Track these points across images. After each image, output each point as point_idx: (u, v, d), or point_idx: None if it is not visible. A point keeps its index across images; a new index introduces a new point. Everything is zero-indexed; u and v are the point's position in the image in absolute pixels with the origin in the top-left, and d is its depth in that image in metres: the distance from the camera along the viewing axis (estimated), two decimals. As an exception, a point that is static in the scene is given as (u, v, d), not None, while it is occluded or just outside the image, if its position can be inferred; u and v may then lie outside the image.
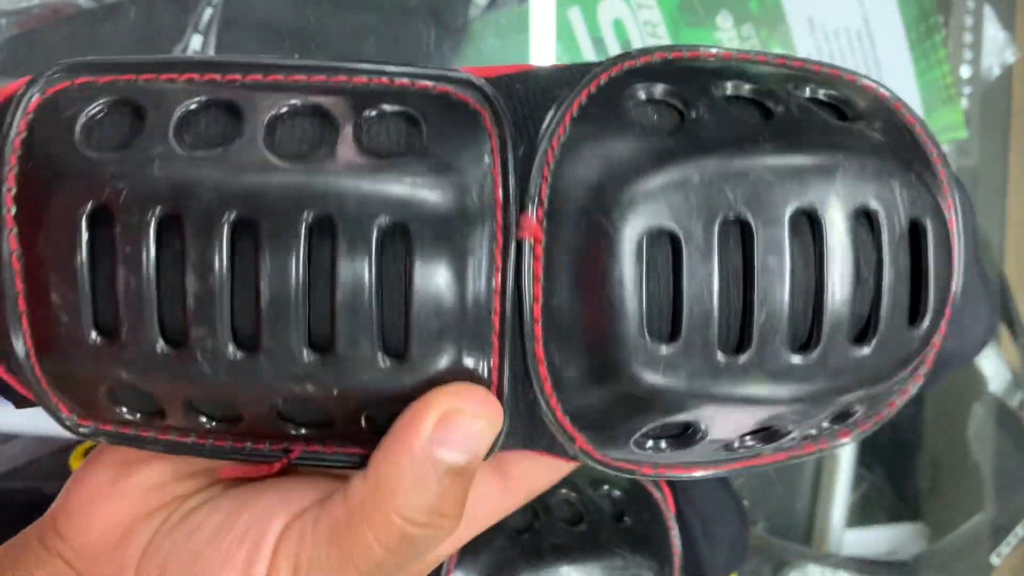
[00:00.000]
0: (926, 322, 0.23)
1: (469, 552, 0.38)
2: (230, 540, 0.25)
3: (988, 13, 0.66)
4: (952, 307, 0.24)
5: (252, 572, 0.24)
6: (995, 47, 0.67)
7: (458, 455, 0.23)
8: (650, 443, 0.25)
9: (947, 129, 0.61)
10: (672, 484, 0.44)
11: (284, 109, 0.23)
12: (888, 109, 0.25)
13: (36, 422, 0.42)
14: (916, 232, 0.23)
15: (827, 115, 0.24)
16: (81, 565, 0.27)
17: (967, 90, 0.65)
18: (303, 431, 0.25)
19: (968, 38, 0.65)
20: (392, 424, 0.23)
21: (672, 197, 0.22)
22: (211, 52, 0.46)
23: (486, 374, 0.23)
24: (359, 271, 0.22)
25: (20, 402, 0.28)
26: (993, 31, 0.67)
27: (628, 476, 0.26)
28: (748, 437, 0.25)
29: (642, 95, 0.24)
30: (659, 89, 0.24)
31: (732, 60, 0.25)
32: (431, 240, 0.22)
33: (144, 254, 0.22)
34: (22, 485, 0.45)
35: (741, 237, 0.22)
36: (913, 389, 0.26)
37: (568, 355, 0.23)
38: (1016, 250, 0.71)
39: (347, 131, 0.23)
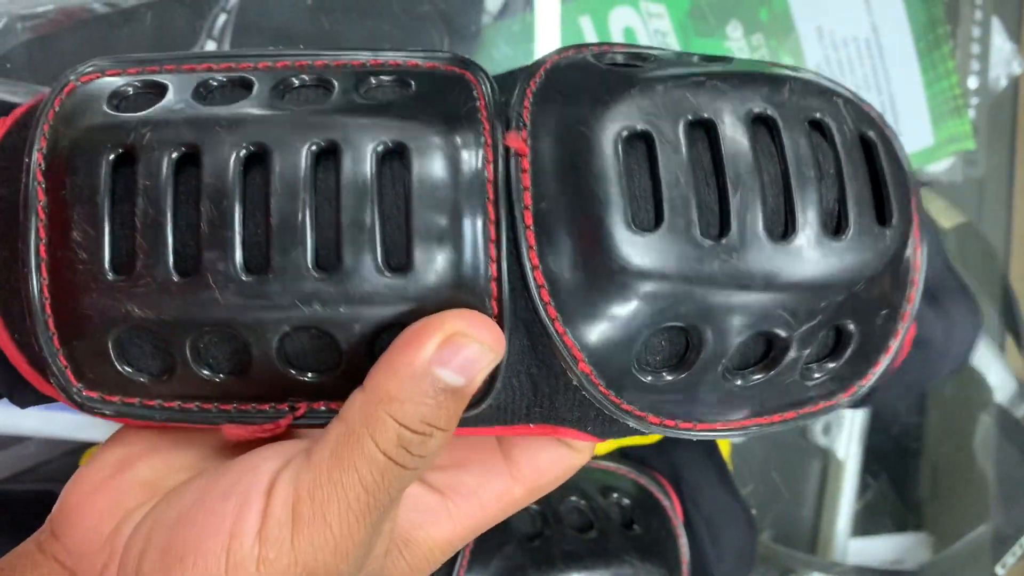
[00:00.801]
0: (894, 220, 0.25)
1: (479, 558, 0.39)
2: (214, 499, 0.24)
3: (995, 25, 0.66)
4: (927, 291, 0.26)
5: (242, 523, 0.23)
6: (1002, 58, 0.68)
7: (456, 377, 0.24)
8: (650, 377, 0.25)
9: (955, 140, 0.61)
10: (680, 492, 0.44)
11: (292, 81, 0.25)
12: (849, 98, 0.27)
13: (46, 425, 0.42)
14: (866, 144, 0.25)
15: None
16: (73, 563, 0.26)
17: (974, 101, 0.65)
18: (309, 375, 0.25)
19: (976, 49, 0.65)
20: (396, 339, 0.24)
21: (641, 103, 0.24)
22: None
23: (485, 285, 0.24)
24: (361, 189, 0.23)
25: (25, 400, 0.28)
26: (1000, 42, 0.67)
27: (634, 424, 0.26)
28: (750, 369, 0.26)
29: (606, 56, 0.27)
30: (618, 57, 0.27)
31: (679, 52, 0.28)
32: (427, 158, 0.24)
33: (161, 185, 0.23)
34: (33, 487, 0.45)
35: (707, 136, 0.24)
36: (903, 332, 0.27)
37: (561, 257, 0.24)
38: (1022, 261, 0.71)
39: (350, 90, 0.25)
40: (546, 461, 0.29)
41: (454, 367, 0.24)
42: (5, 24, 0.43)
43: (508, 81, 0.26)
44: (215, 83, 0.25)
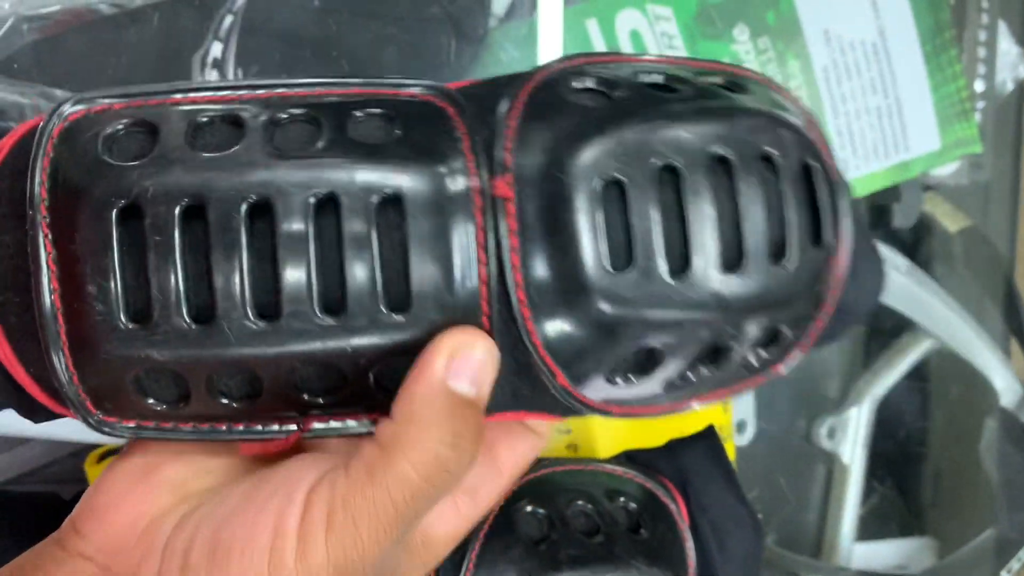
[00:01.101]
0: (824, 240, 0.28)
1: (485, 562, 0.39)
2: (259, 501, 0.27)
3: (1002, 28, 0.66)
4: (849, 263, 0.30)
5: (284, 522, 0.26)
6: (1008, 62, 0.68)
7: (468, 386, 0.26)
8: (619, 379, 0.28)
9: (962, 144, 0.61)
10: (687, 496, 0.44)
11: (280, 116, 0.27)
12: (780, 91, 0.30)
13: (50, 427, 0.42)
14: (808, 172, 0.28)
15: (726, 91, 0.29)
16: (104, 558, 0.28)
17: (980, 104, 0.65)
18: (319, 399, 0.27)
19: (982, 52, 0.65)
20: (406, 374, 0.26)
21: (614, 151, 0.27)
22: (231, 59, 0.46)
23: (478, 320, 0.27)
24: (363, 237, 0.26)
25: (39, 417, 0.29)
26: (1007, 46, 0.67)
27: (601, 415, 0.29)
28: (700, 364, 0.29)
29: (576, 85, 0.28)
30: (589, 81, 0.28)
31: (646, 61, 0.30)
32: (422, 207, 0.26)
33: (173, 240, 0.25)
34: (37, 489, 0.45)
35: (672, 178, 0.27)
36: (824, 320, 0.30)
37: (544, 294, 0.27)
38: (1028, 264, 0.71)
39: (338, 128, 0.26)
40: (522, 451, 0.32)
41: (464, 377, 0.26)
42: (11, 25, 0.43)
43: (489, 97, 0.28)
44: (204, 120, 0.26)
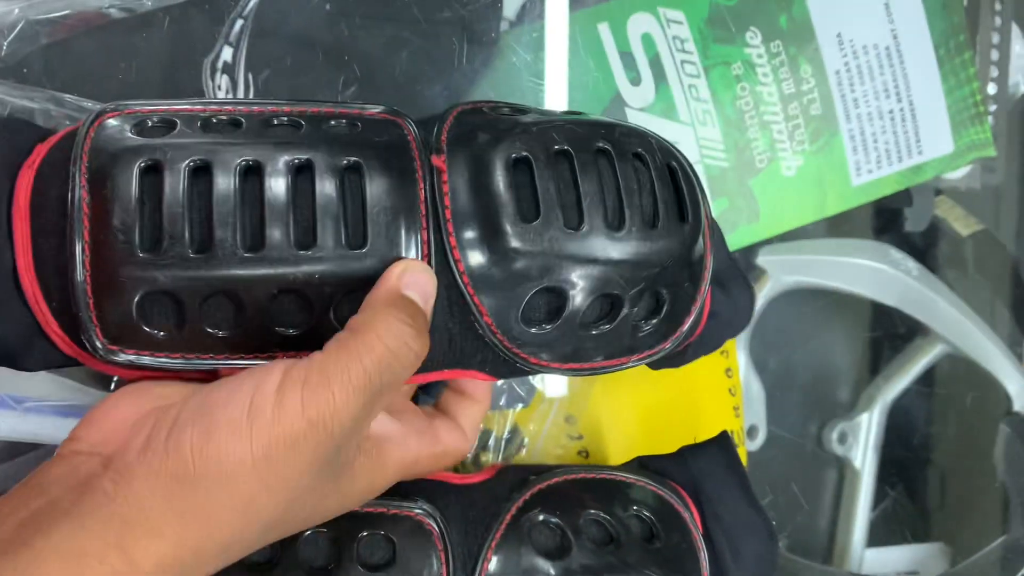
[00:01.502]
0: (690, 220, 0.37)
1: (498, 572, 0.38)
2: (241, 377, 0.31)
3: (1015, 32, 0.65)
4: (717, 281, 0.40)
5: (264, 384, 0.30)
6: (1021, 65, 0.67)
7: (417, 296, 0.33)
8: (533, 328, 0.36)
9: (975, 147, 0.61)
10: (700, 503, 0.44)
11: (272, 120, 0.35)
12: (659, 140, 0.39)
13: (64, 431, 0.42)
14: (671, 170, 0.37)
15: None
16: (100, 447, 0.31)
17: (992, 107, 0.64)
18: (290, 331, 0.34)
19: (995, 56, 0.65)
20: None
21: (523, 138, 0.35)
22: (242, 63, 0.46)
23: (420, 255, 0.34)
24: (329, 192, 0.33)
25: (32, 364, 0.35)
26: (1020, 49, 0.67)
27: (520, 365, 0.37)
28: (602, 320, 0.37)
29: (492, 110, 0.38)
30: (505, 109, 0.38)
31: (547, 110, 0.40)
32: (378, 171, 0.34)
33: (182, 186, 0.32)
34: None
35: (567, 160, 0.35)
36: (700, 302, 0.38)
37: (471, 242, 0.35)
38: (1040, 269, 0.71)
39: (316, 127, 0.35)
40: (472, 414, 0.41)
41: (414, 288, 0.33)
42: (21, 29, 0.42)
43: (431, 120, 0.37)
44: (214, 120, 0.34)
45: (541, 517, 0.40)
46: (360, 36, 0.47)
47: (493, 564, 0.38)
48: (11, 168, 0.34)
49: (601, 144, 0.36)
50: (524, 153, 0.35)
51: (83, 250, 0.32)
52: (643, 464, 0.46)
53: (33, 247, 0.33)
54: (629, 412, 0.53)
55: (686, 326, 0.38)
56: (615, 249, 0.35)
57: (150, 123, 0.34)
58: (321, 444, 0.30)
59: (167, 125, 0.34)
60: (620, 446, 0.52)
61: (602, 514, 0.40)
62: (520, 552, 0.39)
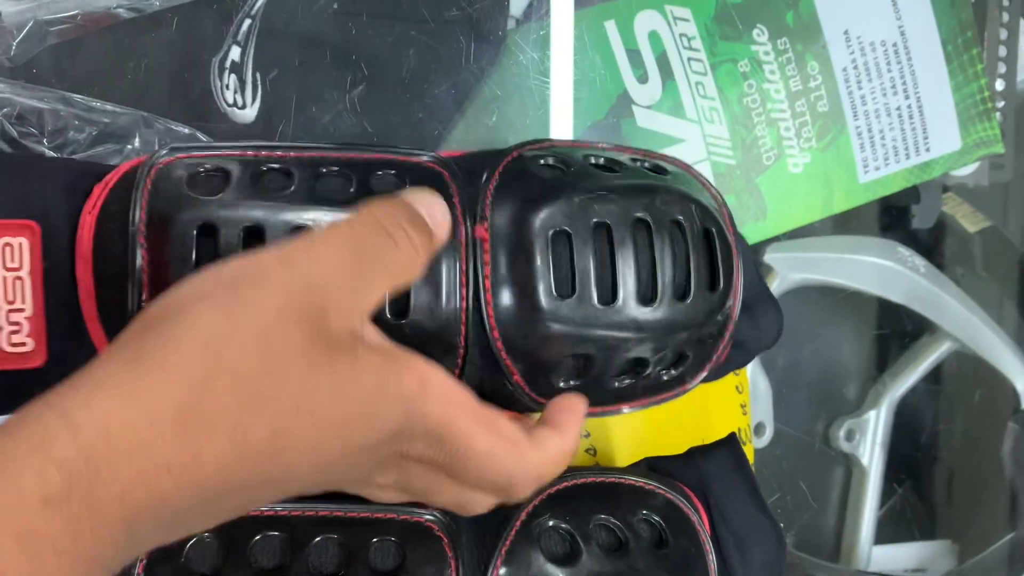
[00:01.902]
0: (720, 288, 0.38)
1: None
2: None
3: (1023, 28, 0.65)
4: (744, 304, 0.40)
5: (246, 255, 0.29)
6: (1029, 61, 0.67)
7: (424, 211, 0.33)
8: (561, 383, 0.37)
9: (983, 144, 0.60)
10: (708, 505, 0.44)
11: (321, 171, 0.36)
12: (694, 174, 0.41)
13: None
14: (708, 235, 0.38)
15: (652, 173, 0.40)
16: None
17: (1000, 104, 0.64)
18: None
19: (1003, 52, 0.65)
20: None
21: (564, 209, 0.36)
22: (249, 63, 0.46)
23: (458, 329, 0.36)
24: None
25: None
26: (1028, 45, 0.66)
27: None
28: (625, 375, 0.38)
29: (540, 162, 0.39)
30: (549, 159, 0.39)
31: (595, 147, 0.41)
32: None
33: (238, 249, 0.33)
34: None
35: (606, 233, 0.36)
36: (722, 350, 0.40)
37: (506, 308, 0.36)
38: (1048, 265, 0.71)
39: (363, 182, 0.36)
40: (551, 438, 0.35)
41: (423, 206, 0.33)
42: (30, 30, 0.43)
43: (476, 167, 0.38)
44: (264, 170, 0.35)
45: (551, 523, 0.40)
46: (367, 35, 0.47)
47: (503, 571, 0.38)
48: (73, 217, 0.35)
49: (640, 214, 0.37)
50: (564, 228, 0.36)
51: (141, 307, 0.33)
52: (651, 466, 0.46)
53: (97, 294, 0.34)
54: (636, 410, 0.53)
55: (706, 372, 0.40)
56: (645, 321, 0.36)
57: (203, 172, 0.35)
58: (293, 288, 0.27)
59: (221, 175, 0.35)
60: (627, 443, 0.52)
61: (612, 519, 0.40)
62: (530, 558, 0.39)
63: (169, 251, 0.33)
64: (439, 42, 0.48)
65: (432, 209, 0.33)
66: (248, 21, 0.46)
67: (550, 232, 0.36)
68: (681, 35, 0.54)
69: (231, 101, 0.46)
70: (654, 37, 0.54)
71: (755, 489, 0.44)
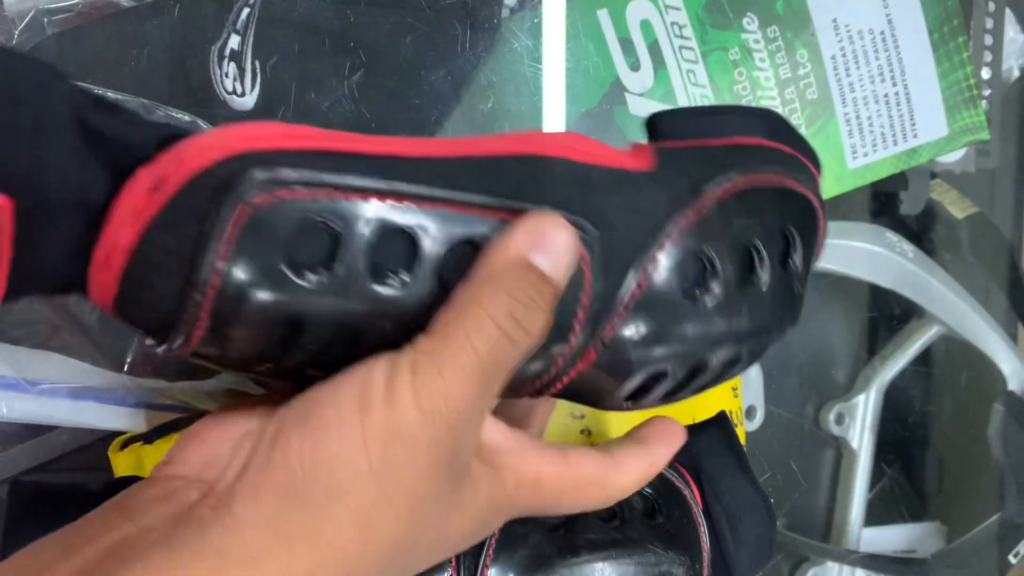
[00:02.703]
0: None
1: (505, 548, 0.39)
2: (343, 376, 0.27)
3: (1009, 16, 0.66)
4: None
5: (371, 376, 0.26)
6: (1015, 49, 0.68)
7: (549, 264, 0.28)
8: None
9: (969, 131, 0.61)
10: (700, 482, 0.44)
11: (452, 244, 0.28)
12: None
13: (75, 414, 0.42)
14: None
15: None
16: (195, 472, 0.28)
17: (986, 92, 0.65)
18: None
19: (988, 40, 0.65)
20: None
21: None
22: (249, 51, 0.46)
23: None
24: None
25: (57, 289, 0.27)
26: (1013, 34, 0.67)
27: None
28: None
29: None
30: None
31: None
32: None
33: (330, 359, 0.28)
34: (64, 479, 0.46)
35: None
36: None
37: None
38: (1034, 250, 0.72)
39: None
40: (633, 456, 0.34)
41: (547, 257, 0.28)
42: (32, 18, 0.43)
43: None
44: (384, 235, 0.27)
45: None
46: (365, 23, 0.47)
47: (500, 540, 0.39)
48: (120, 169, 0.26)
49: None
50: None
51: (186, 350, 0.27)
52: (645, 442, 0.46)
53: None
54: (630, 392, 0.54)
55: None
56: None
57: (306, 232, 0.26)
58: (438, 438, 0.26)
59: (331, 238, 0.27)
60: (622, 426, 0.53)
61: (605, 491, 0.41)
62: (526, 528, 0.40)
63: (243, 330, 0.27)
64: (435, 30, 0.48)
65: (557, 249, 0.28)
66: (247, 10, 0.46)
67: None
68: (672, 23, 0.55)
69: (231, 89, 0.46)
70: (646, 26, 0.55)
71: (745, 465, 0.45)
